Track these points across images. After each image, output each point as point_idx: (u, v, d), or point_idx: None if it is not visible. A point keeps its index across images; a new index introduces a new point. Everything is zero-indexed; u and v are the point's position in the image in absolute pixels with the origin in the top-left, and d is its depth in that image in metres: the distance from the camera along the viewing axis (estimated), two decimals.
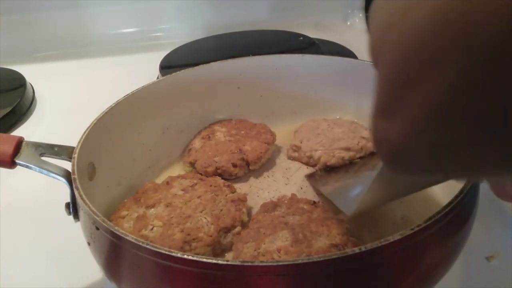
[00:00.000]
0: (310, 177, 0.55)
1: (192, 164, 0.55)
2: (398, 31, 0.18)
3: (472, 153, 0.18)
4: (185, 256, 0.31)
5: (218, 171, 0.53)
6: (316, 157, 0.55)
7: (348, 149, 0.55)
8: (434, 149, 0.19)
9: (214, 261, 0.31)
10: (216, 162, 0.53)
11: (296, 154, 0.57)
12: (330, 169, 0.55)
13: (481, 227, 0.48)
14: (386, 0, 0.20)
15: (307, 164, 0.57)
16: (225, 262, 0.31)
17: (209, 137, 0.58)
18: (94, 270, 0.47)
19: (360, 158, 0.55)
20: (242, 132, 0.59)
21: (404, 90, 0.18)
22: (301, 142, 0.57)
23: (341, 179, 0.53)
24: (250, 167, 0.55)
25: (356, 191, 0.46)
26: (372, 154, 0.56)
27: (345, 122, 0.59)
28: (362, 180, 0.50)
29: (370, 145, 0.55)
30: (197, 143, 0.58)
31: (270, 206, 0.46)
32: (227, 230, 0.44)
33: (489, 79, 0.16)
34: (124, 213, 0.46)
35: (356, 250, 0.31)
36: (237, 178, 0.55)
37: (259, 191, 0.53)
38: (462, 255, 0.39)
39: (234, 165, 0.53)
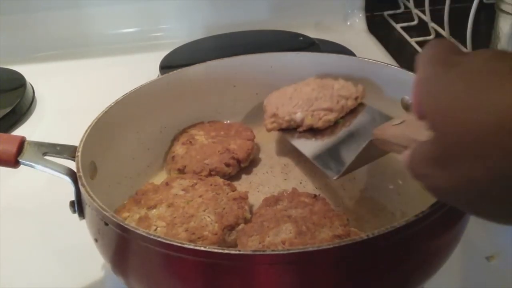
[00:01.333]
0: (287, 133, 0.55)
1: (181, 171, 0.54)
2: (472, 116, 0.24)
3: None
4: (197, 247, 0.32)
5: (212, 173, 0.53)
6: (299, 119, 0.54)
7: (330, 109, 0.54)
8: (471, 199, 0.26)
9: (226, 251, 0.32)
10: (208, 164, 0.53)
11: (274, 125, 0.56)
12: (314, 131, 0.54)
13: (481, 227, 0.48)
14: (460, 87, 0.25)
15: (288, 128, 0.55)
16: (237, 252, 0.32)
17: (190, 142, 0.57)
18: (95, 269, 0.48)
19: (342, 118, 0.55)
20: (222, 132, 0.58)
21: (462, 156, 0.25)
22: (277, 109, 0.55)
23: (324, 141, 0.53)
24: (242, 165, 0.55)
25: (342, 155, 0.48)
26: (351, 111, 0.55)
27: (309, 81, 0.58)
28: (347, 143, 0.52)
29: (349, 103, 0.55)
30: (179, 150, 0.56)
31: (272, 200, 0.47)
32: (231, 228, 0.44)
33: None
34: (125, 214, 0.46)
35: (364, 236, 0.32)
36: (236, 176, 0.55)
37: (259, 187, 0.54)
38: (462, 255, 0.39)
39: (227, 165, 0.54)
